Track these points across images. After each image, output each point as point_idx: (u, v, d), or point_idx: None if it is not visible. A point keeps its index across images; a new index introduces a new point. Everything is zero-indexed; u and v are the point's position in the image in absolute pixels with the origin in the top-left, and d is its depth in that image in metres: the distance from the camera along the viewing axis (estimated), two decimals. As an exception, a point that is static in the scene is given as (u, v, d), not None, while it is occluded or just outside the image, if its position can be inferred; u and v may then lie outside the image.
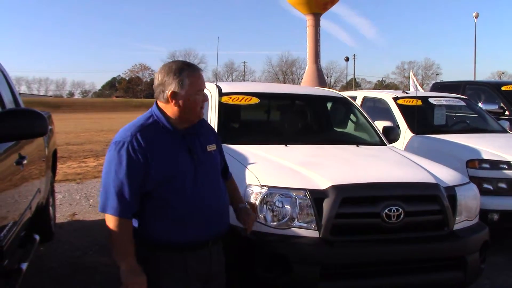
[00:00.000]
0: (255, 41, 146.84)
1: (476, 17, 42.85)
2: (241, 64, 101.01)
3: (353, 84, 72.82)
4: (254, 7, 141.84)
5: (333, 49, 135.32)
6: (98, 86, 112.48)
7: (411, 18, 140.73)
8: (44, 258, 5.24)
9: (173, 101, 2.44)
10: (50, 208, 6.06)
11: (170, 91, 2.43)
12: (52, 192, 6.29)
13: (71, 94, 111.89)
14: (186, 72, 2.44)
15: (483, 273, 3.96)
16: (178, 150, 2.46)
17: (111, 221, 2.35)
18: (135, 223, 2.46)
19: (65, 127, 25.83)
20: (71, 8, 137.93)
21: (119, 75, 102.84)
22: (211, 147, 2.63)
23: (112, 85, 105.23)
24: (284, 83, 70.46)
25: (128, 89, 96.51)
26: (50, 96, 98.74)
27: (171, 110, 2.47)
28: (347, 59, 67.53)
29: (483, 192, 5.40)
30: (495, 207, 5.43)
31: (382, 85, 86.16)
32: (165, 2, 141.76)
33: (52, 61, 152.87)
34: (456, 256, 3.62)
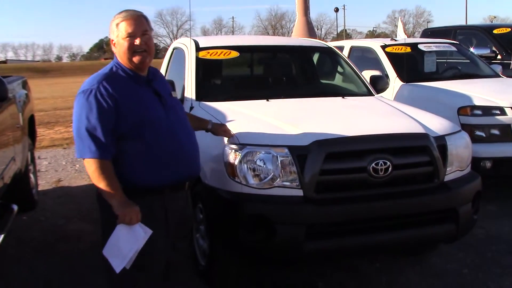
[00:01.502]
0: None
1: (467, -40, 41.92)
2: (230, 20, 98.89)
3: (344, 35, 71.74)
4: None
5: (323, 1, 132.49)
6: (86, 49, 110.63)
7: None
8: (26, 228, 5.08)
9: (114, 48, 2.54)
10: (31, 175, 5.88)
11: (110, 39, 2.56)
12: (32, 159, 6.10)
13: (59, 58, 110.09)
14: (117, 18, 2.53)
15: (476, 223, 3.84)
16: (147, 94, 2.56)
17: (92, 165, 2.39)
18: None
19: (52, 92, 25.42)
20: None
21: (106, 37, 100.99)
22: (174, 94, 2.84)
23: (100, 47, 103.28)
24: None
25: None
26: (38, 61, 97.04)
27: (118, 57, 2.56)
28: (336, 9, 66.57)
29: (476, 139, 5.26)
30: (488, 154, 5.29)
31: (373, 35, 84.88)
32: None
33: (38, 26, 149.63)
34: (448, 208, 3.46)
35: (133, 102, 2.47)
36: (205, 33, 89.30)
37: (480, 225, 4.57)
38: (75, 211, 5.60)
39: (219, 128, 3.30)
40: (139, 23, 2.52)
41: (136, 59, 2.51)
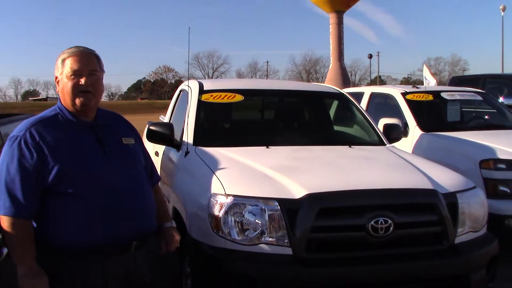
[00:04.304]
0: (278, 41, 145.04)
1: (503, 10, 41.62)
2: (265, 64, 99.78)
3: (377, 82, 71.55)
4: (277, 6, 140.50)
5: (358, 47, 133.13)
6: (124, 89, 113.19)
7: (438, 13, 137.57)
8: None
9: (57, 87, 2.32)
10: None
11: (55, 76, 2.32)
12: None
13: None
14: (64, 53, 2.29)
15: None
16: (84, 142, 2.27)
17: (4, 222, 2.12)
18: (37, 227, 2.20)
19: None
20: (95, 10, 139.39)
21: (144, 78, 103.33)
22: (128, 140, 2.43)
23: (138, 88, 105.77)
24: (308, 81, 69.76)
25: (153, 91, 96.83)
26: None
27: (60, 97, 2.32)
28: (370, 56, 66.62)
29: (499, 195, 4.88)
30: (513, 212, 4.85)
31: (408, 82, 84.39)
32: (185, 2, 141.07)
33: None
34: (458, 274, 3.10)
35: (64, 151, 2.19)
36: (239, 76, 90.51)
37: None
38: None
39: (166, 235, 2.59)
40: (87, 61, 2.28)
41: (78, 100, 2.25)
